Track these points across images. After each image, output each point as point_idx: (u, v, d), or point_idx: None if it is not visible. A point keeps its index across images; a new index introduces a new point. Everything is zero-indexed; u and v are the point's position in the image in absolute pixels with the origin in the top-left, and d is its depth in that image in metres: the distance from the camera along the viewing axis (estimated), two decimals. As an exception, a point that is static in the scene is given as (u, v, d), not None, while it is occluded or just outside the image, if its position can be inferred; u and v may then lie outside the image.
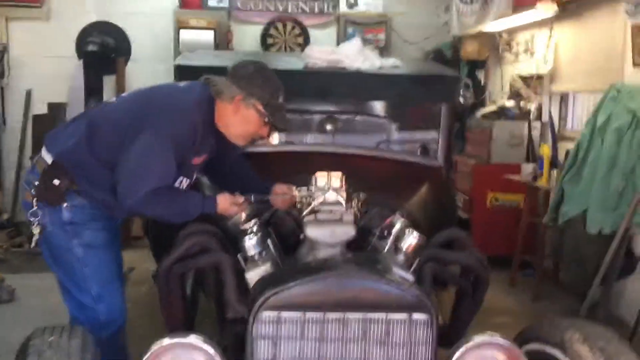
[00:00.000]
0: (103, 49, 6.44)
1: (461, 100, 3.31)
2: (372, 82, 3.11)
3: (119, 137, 2.37)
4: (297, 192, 2.46)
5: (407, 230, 2.42)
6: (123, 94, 2.61)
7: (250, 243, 2.36)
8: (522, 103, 5.48)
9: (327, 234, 2.23)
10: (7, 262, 5.15)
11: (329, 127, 3.45)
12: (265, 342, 1.89)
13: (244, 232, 2.36)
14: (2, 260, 5.02)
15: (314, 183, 2.35)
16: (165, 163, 2.33)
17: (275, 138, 3.33)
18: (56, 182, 2.39)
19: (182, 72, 3.13)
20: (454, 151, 3.70)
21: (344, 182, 2.35)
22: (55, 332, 1.98)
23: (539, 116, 5.39)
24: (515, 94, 5.58)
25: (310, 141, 3.63)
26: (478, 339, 1.97)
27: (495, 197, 5.39)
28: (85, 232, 2.46)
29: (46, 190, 2.41)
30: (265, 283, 1.97)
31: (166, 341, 1.88)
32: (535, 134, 5.29)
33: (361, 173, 3.18)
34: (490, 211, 5.38)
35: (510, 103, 5.49)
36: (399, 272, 2.32)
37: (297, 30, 6.90)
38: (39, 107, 6.50)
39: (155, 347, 1.87)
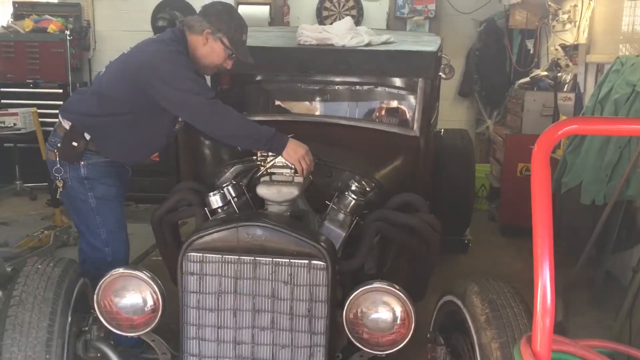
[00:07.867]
0: (172, 24, 7.04)
1: (442, 75, 3.47)
2: (353, 58, 3.37)
3: (122, 92, 2.81)
4: (259, 157, 2.84)
5: (345, 193, 2.75)
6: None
7: (213, 199, 2.81)
8: (560, 74, 5.44)
9: (275, 193, 2.62)
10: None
11: (318, 97, 3.76)
12: (193, 277, 2.30)
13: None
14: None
15: None
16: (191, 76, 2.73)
17: None
18: (74, 143, 2.86)
19: None
20: (433, 123, 3.88)
21: None
22: (44, 262, 2.47)
23: (574, 87, 5.34)
24: (555, 64, 5.54)
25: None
26: (375, 284, 2.29)
27: (527, 168, 5.43)
28: (99, 186, 2.94)
29: (67, 151, 2.87)
30: (196, 229, 2.39)
31: (119, 271, 2.35)
32: (569, 104, 5.25)
33: (342, 140, 3.50)
34: (520, 180, 5.43)
35: (544, 73, 5.47)
36: (329, 227, 2.66)
37: (351, 2, 7.15)
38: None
39: (109, 275, 2.33)
